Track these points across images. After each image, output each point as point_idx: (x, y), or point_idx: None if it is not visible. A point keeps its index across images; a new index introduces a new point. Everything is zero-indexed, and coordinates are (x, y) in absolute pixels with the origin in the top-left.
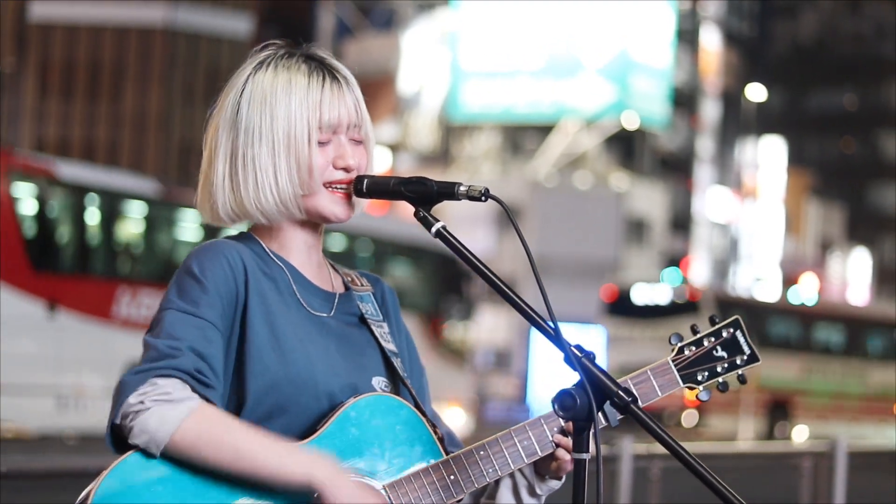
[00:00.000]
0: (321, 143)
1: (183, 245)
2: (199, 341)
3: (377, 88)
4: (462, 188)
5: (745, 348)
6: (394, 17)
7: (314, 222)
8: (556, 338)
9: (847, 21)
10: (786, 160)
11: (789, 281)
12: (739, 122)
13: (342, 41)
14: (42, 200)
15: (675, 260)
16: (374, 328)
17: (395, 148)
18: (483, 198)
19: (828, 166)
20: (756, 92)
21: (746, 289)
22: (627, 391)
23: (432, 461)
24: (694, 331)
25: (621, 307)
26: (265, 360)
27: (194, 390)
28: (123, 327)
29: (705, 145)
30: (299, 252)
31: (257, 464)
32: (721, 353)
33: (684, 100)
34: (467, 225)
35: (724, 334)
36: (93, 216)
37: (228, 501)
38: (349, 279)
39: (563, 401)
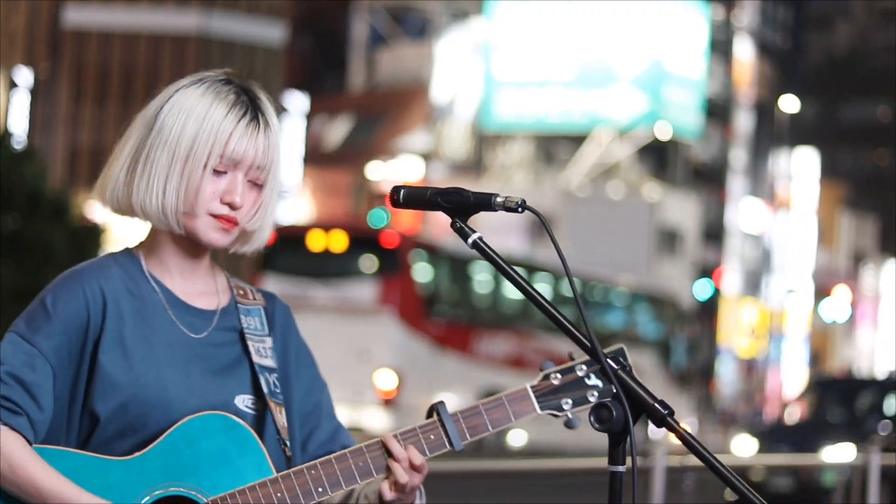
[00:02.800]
0: (217, 172)
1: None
2: (21, 368)
3: (410, 97)
4: (499, 199)
5: (602, 381)
6: (427, 26)
7: (190, 242)
8: (592, 349)
9: (881, 32)
10: (819, 171)
11: (822, 293)
12: (773, 133)
13: (376, 50)
14: (430, 266)
15: (708, 271)
16: (250, 343)
17: (427, 157)
18: (520, 209)
19: (861, 178)
20: (789, 103)
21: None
22: (664, 403)
23: (262, 479)
24: (570, 357)
25: None
26: (115, 384)
27: None
28: (481, 361)
29: (738, 156)
30: (179, 271)
31: (35, 496)
32: (594, 381)
33: (718, 110)
34: (500, 234)
35: (582, 368)
36: (459, 276)
37: None
38: (241, 293)
39: (599, 413)
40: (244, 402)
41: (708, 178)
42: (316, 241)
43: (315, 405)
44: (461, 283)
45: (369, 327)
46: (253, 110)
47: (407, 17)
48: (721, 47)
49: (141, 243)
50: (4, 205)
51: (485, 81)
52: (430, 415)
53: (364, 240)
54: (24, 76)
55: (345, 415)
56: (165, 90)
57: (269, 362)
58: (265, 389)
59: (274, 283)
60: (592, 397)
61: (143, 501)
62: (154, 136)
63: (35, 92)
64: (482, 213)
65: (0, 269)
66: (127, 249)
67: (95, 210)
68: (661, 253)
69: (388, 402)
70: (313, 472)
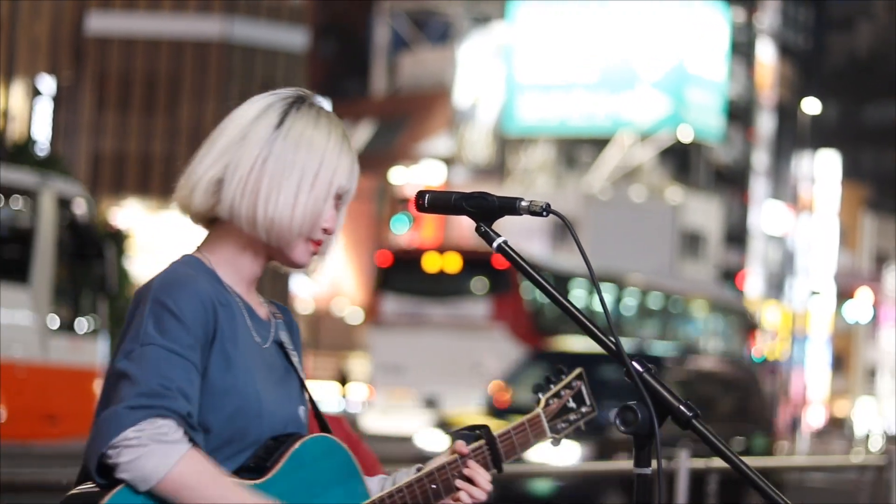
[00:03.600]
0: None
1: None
2: (186, 384)
3: (432, 102)
4: (524, 203)
5: (587, 400)
6: (449, 31)
7: (269, 258)
8: (617, 352)
9: None
10: (841, 173)
11: (845, 295)
12: (795, 134)
13: (398, 54)
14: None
15: (731, 273)
16: (292, 357)
17: (449, 161)
18: (545, 213)
19: (883, 179)
20: (811, 105)
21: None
22: (689, 405)
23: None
24: (549, 381)
25: None
26: (222, 394)
27: (185, 434)
28: None
29: (760, 158)
30: (248, 282)
31: None
32: (572, 404)
33: (739, 113)
34: (523, 237)
35: (574, 385)
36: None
37: None
38: (272, 309)
39: (625, 415)
40: (304, 413)
41: (730, 181)
42: (431, 263)
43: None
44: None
45: (482, 342)
46: (349, 143)
47: (429, 22)
48: (742, 49)
49: (206, 250)
50: None
51: (507, 85)
52: (471, 439)
53: (477, 261)
54: (47, 84)
55: (459, 422)
56: (267, 104)
57: (304, 375)
58: (313, 401)
59: (392, 302)
60: (574, 418)
61: None
62: (279, 152)
63: (58, 99)
64: (503, 217)
65: None
66: (194, 258)
67: (119, 216)
68: (683, 256)
69: (500, 412)
70: (400, 494)
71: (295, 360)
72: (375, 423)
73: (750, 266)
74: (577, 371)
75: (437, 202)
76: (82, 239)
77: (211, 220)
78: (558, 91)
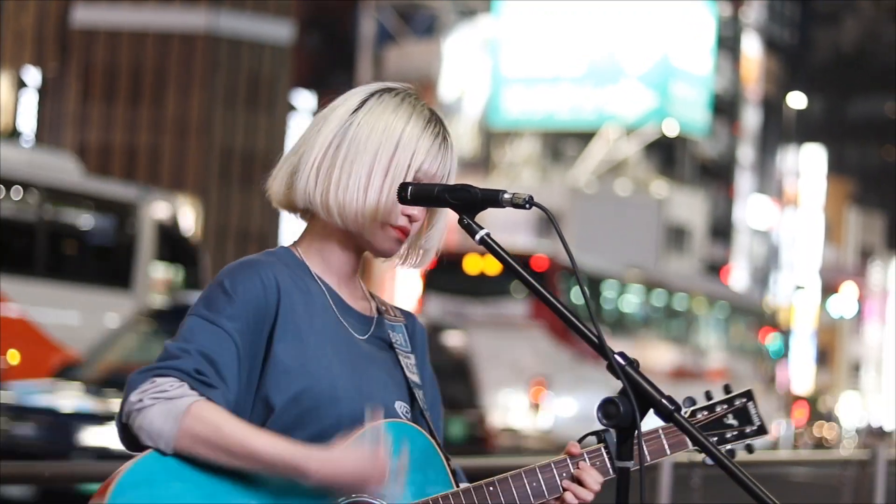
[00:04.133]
0: None
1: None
2: (210, 346)
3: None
4: (506, 196)
5: (755, 420)
6: (435, 24)
7: (362, 249)
8: (599, 345)
9: (889, 28)
10: (826, 168)
11: (829, 289)
12: (780, 129)
13: (383, 47)
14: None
15: (716, 267)
16: (401, 357)
17: None
18: (527, 206)
19: (868, 174)
20: (797, 99)
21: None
22: (671, 399)
23: (444, 491)
24: (708, 396)
25: None
26: (289, 373)
27: (192, 388)
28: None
29: (746, 153)
30: (340, 274)
31: (249, 455)
32: (731, 420)
33: (725, 107)
34: (507, 230)
35: (737, 403)
36: (594, 293)
37: (245, 502)
38: (384, 308)
39: (607, 409)
40: (402, 408)
41: (715, 175)
42: (472, 265)
43: (437, 426)
44: (596, 299)
45: (521, 341)
46: (444, 130)
47: (414, 15)
48: (728, 43)
49: (298, 242)
50: None
51: (492, 79)
52: (596, 439)
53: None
54: (33, 75)
55: (499, 418)
56: (353, 94)
57: (416, 378)
58: (421, 405)
59: (435, 302)
60: (731, 436)
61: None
62: (351, 137)
63: (43, 91)
64: (489, 210)
65: None
66: (285, 248)
67: None
68: (668, 250)
69: (538, 406)
70: (491, 489)
71: (406, 362)
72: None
73: (735, 260)
74: (746, 390)
75: (419, 194)
76: (178, 247)
77: (305, 210)
78: (544, 85)
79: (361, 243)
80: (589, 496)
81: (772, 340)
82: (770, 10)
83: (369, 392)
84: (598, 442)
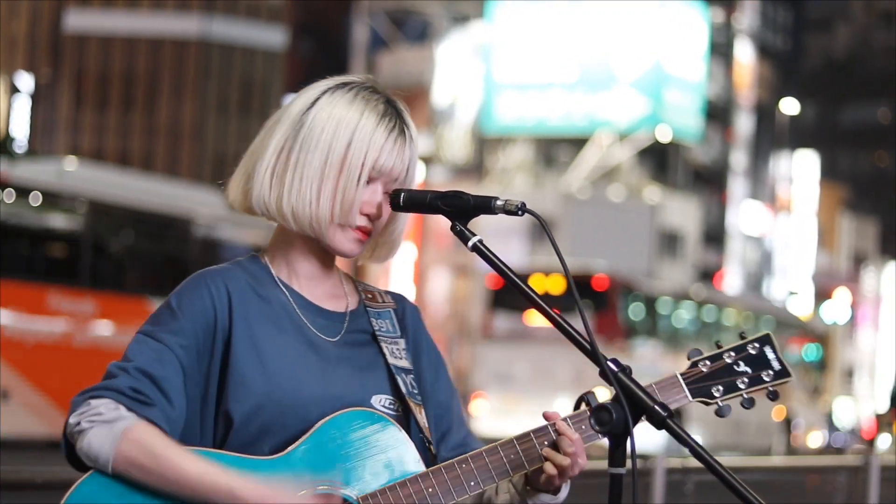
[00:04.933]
0: (367, 182)
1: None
2: (149, 363)
3: (411, 101)
4: (499, 202)
5: (775, 364)
6: (428, 30)
7: (322, 249)
8: (592, 352)
9: (881, 34)
10: (819, 174)
11: (822, 295)
12: (773, 135)
13: (376, 53)
14: (630, 302)
15: (709, 273)
16: (384, 345)
17: (428, 160)
18: (520, 212)
19: (861, 180)
20: (790, 105)
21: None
22: (664, 405)
23: (414, 474)
24: (717, 345)
25: None
26: (249, 384)
27: (130, 409)
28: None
29: (739, 158)
30: (307, 274)
31: (182, 482)
32: (743, 367)
33: (718, 113)
34: (501, 237)
35: (750, 349)
36: (651, 309)
37: None
38: (369, 296)
39: (600, 415)
40: (381, 402)
41: (708, 181)
42: (537, 285)
43: (447, 408)
44: (652, 314)
45: (582, 355)
46: (400, 123)
47: (407, 21)
48: (721, 49)
49: (267, 248)
50: None
51: (485, 84)
52: (578, 405)
53: (578, 283)
54: (25, 81)
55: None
56: (307, 91)
57: (404, 363)
58: (404, 390)
59: (502, 320)
60: (742, 384)
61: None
62: (303, 138)
63: (36, 97)
64: (483, 217)
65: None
66: (252, 255)
67: None
68: (661, 255)
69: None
70: (464, 466)
71: (391, 348)
72: (489, 425)
73: (728, 266)
74: (762, 334)
75: (412, 201)
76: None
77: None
78: (536, 91)
79: (323, 245)
80: (565, 461)
81: (811, 352)
82: (763, 17)
83: (339, 393)
84: (580, 405)
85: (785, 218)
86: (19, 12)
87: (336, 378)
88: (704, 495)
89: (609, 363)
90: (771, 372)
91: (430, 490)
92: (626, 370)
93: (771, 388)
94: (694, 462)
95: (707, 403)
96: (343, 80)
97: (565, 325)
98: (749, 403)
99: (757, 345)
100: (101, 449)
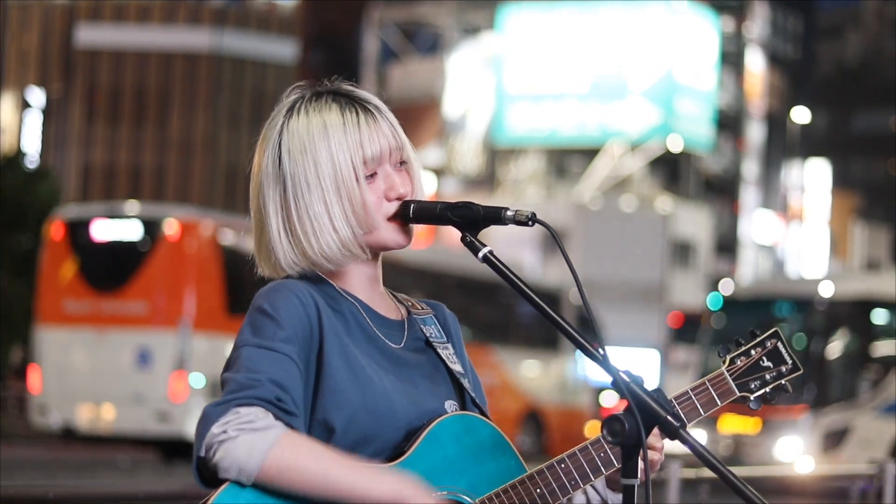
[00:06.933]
0: (369, 178)
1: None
2: (277, 373)
3: (422, 112)
4: (509, 213)
5: (787, 359)
6: (438, 41)
7: (375, 254)
8: (604, 362)
9: (892, 42)
10: (831, 182)
11: None
12: (784, 144)
13: (387, 65)
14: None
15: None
16: (440, 351)
17: (440, 172)
18: (530, 223)
19: (873, 188)
20: (801, 114)
21: None
22: (676, 415)
23: (518, 476)
24: (738, 343)
25: (688, 333)
26: (346, 394)
27: (277, 418)
28: None
29: (750, 168)
30: (364, 287)
31: (345, 488)
32: (767, 363)
33: (729, 122)
34: (512, 248)
35: (768, 344)
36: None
37: None
38: (409, 304)
39: (612, 426)
40: (451, 406)
41: (720, 190)
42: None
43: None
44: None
45: None
46: (361, 105)
47: (418, 33)
48: (732, 59)
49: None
50: (17, 225)
51: (496, 95)
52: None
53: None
54: (37, 96)
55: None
56: (266, 139)
57: (459, 368)
58: (470, 393)
59: (682, 352)
60: (771, 378)
61: None
62: (291, 188)
63: (48, 112)
64: (495, 228)
65: (13, 289)
66: (308, 274)
67: None
68: (674, 265)
69: None
70: (563, 465)
71: (446, 353)
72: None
73: (740, 275)
74: (772, 330)
75: (422, 213)
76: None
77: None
78: (548, 101)
79: (375, 250)
80: (654, 455)
81: None
82: (773, 26)
83: (419, 400)
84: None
85: (797, 227)
86: (31, 27)
87: (411, 386)
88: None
89: (621, 374)
90: (788, 366)
91: (539, 491)
92: (639, 380)
93: (784, 382)
94: (709, 472)
95: (746, 399)
96: (285, 108)
97: (575, 336)
98: (772, 396)
99: (773, 340)
100: (250, 455)
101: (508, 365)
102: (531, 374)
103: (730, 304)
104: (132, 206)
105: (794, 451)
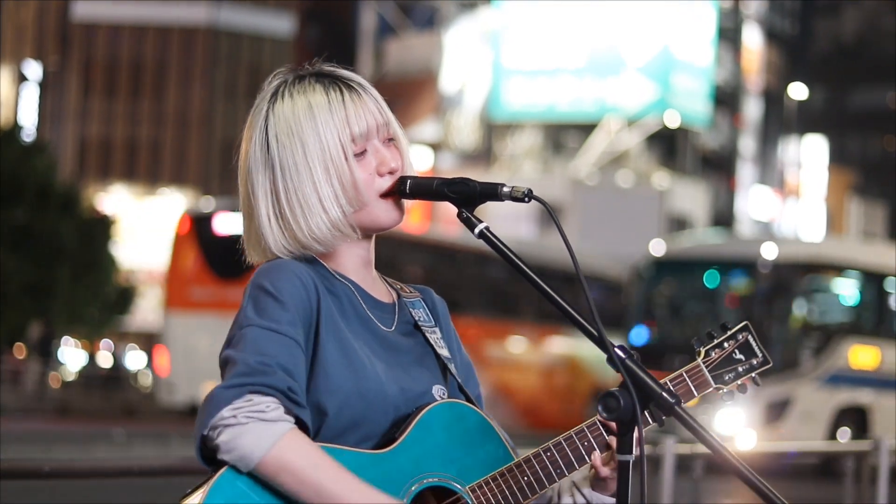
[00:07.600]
0: (357, 156)
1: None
2: (286, 359)
3: (419, 87)
4: (505, 189)
5: (758, 352)
6: (436, 16)
7: (367, 236)
8: (599, 339)
9: (889, 19)
10: (828, 158)
11: None
12: (781, 120)
13: (384, 40)
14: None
15: None
16: (428, 334)
17: (436, 147)
18: (526, 199)
19: (870, 164)
20: (798, 90)
21: None
22: (671, 392)
23: (506, 464)
24: (711, 335)
25: None
26: (336, 378)
27: (288, 411)
28: None
29: (747, 144)
30: (356, 269)
31: (336, 499)
32: (739, 355)
33: (726, 98)
34: (509, 223)
35: (740, 337)
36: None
37: None
38: (398, 287)
39: (607, 402)
40: (438, 391)
41: (717, 166)
42: None
43: (476, 398)
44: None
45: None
46: (344, 84)
47: (415, 7)
48: (729, 35)
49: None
50: (14, 198)
51: (493, 70)
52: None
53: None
54: (34, 69)
55: None
56: (252, 126)
57: (446, 352)
58: (457, 378)
59: None
60: (743, 370)
61: (410, 491)
62: (280, 172)
63: (44, 85)
64: (491, 203)
65: (10, 263)
66: (302, 256)
67: (105, 202)
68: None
69: None
70: (549, 454)
71: (434, 337)
72: None
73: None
74: (743, 324)
75: (418, 188)
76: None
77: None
78: (545, 76)
79: (368, 231)
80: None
81: None
82: (771, 1)
83: (408, 385)
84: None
85: (794, 203)
86: (27, 1)
87: (401, 370)
88: (713, 481)
89: (616, 350)
90: (756, 360)
91: (526, 479)
92: (634, 356)
93: (755, 375)
94: (703, 448)
95: (719, 389)
96: (269, 93)
97: (572, 313)
98: (744, 390)
99: (745, 333)
100: (255, 446)
101: (573, 345)
102: (595, 352)
103: (663, 265)
104: None
105: (735, 424)
